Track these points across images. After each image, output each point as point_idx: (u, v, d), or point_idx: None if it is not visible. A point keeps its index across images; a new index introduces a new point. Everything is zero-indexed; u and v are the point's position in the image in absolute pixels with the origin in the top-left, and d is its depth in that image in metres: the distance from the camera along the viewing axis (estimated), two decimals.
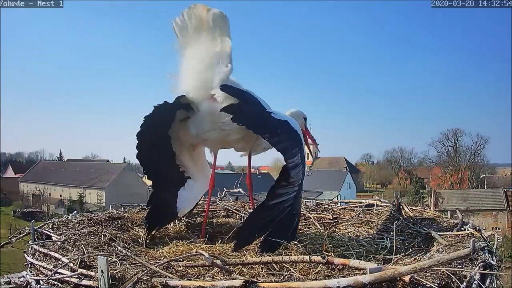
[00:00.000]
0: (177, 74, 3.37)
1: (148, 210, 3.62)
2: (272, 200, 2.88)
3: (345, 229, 3.88)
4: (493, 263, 2.48)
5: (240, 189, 5.53)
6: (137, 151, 3.30)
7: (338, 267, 2.31)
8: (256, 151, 3.65)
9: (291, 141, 2.95)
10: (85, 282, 2.29)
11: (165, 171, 3.57)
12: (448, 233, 3.24)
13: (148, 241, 3.41)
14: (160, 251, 3.05)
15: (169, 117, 3.37)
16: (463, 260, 2.33)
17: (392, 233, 3.14)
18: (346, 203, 5.21)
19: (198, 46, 3.27)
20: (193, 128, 3.41)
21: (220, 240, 3.27)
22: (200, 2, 3.27)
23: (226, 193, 5.32)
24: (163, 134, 3.43)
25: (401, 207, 4.34)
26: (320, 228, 3.82)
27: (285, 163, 2.83)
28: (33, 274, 2.71)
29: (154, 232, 3.54)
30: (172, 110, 3.33)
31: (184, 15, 3.27)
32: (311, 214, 4.42)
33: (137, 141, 3.25)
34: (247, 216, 3.29)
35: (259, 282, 2.03)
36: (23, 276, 2.95)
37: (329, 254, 2.63)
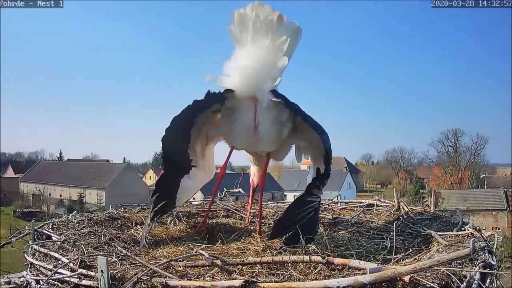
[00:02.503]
0: (226, 64, 3.24)
1: (157, 194, 3.49)
2: (308, 196, 3.00)
3: (345, 229, 3.88)
4: (493, 263, 2.48)
5: (240, 189, 5.53)
6: (165, 133, 3.21)
7: (338, 267, 2.31)
8: (278, 159, 3.73)
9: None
10: (85, 282, 2.29)
11: (179, 157, 3.50)
12: (448, 233, 3.24)
13: (148, 234, 3.39)
14: (160, 251, 3.04)
15: (205, 107, 3.27)
16: (463, 260, 2.33)
17: (392, 233, 3.14)
18: (346, 203, 5.21)
19: (257, 47, 3.16)
20: (224, 125, 3.36)
21: (220, 240, 3.27)
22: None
23: (226, 193, 5.32)
24: (190, 121, 3.32)
25: (401, 207, 4.34)
26: (320, 228, 3.82)
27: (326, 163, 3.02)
28: (33, 274, 2.71)
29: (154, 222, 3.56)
30: (212, 102, 3.20)
31: (250, 10, 3.14)
32: None
33: (170, 124, 3.15)
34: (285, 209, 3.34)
35: (259, 282, 2.03)
36: (23, 276, 2.95)
37: (329, 254, 2.63)
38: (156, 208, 3.42)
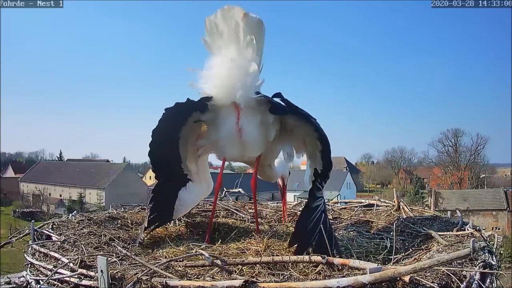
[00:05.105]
0: (202, 73, 3.18)
1: (152, 204, 3.47)
2: (313, 202, 2.91)
3: (345, 229, 3.88)
4: (493, 263, 2.48)
5: (240, 189, 5.53)
6: (150, 148, 3.21)
7: (338, 267, 2.31)
8: (266, 162, 3.69)
9: None
10: (85, 282, 2.29)
11: (172, 170, 3.47)
12: (448, 233, 3.24)
13: (145, 240, 3.37)
14: (160, 251, 3.04)
15: (184, 117, 3.24)
16: (463, 260, 2.33)
17: (392, 233, 3.14)
18: (346, 203, 5.21)
19: (229, 49, 3.13)
20: (212, 134, 3.33)
21: (220, 240, 3.27)
22: (234, 2, 3.15)
23: (226, 193, 5.31)
24: (174, 134, 3.32)
25: (401, 207, 4.34)
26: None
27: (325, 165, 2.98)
28: (33, 274, 2.71)
29: (150, 231, 3.51)
30: (189, 110, 3.18)
31: (218, 15, 3.12)
32: None
33: (151, 139, 3.16)
34: (297, 219, 3.24)
35: (259, 282, 2.03)
36: (23, 276, 2.95)
37: (329, 254, 2.62)
38: (151, 217, 3.39)
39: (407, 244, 3.17)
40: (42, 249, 2.84)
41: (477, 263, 2.38)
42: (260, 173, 3.77)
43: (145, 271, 2.20)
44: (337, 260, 2.31)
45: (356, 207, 4.67)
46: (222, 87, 3.08)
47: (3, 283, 3.50)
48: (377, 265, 2.13)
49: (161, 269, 2.24)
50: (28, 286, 2.72)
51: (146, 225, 3.39)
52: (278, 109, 3.05)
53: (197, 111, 3.21)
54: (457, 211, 4.10)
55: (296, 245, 2.82)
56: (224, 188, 5.26)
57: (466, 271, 2.22)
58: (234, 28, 3.09)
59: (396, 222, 3.43)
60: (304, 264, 2.40)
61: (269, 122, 3.19)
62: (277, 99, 3.06)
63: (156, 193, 3.46)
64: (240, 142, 3.22)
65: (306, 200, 3.04)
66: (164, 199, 3.45)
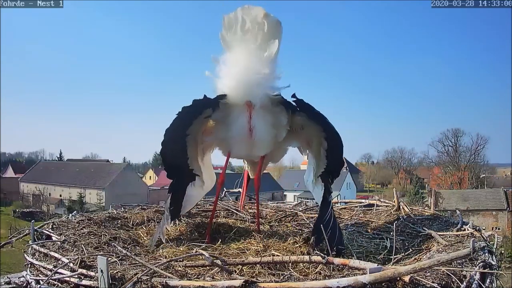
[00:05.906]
0: (219, 68, 3.21)
1: (170, 203, 3.40)
2: (329, 196, 3.06)
3: (345, 229, 3.88)
4: (493, 263, 2.48)
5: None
6: (162, 147, 3.19)
7: (338, 267, 2.32)
8: (274, 161, 3.72)
9: None
10: (85, 282, 2.29)
11: (181, 168, 3.41)
12: (448, 233, 3.25)
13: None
14: (160, 251, 3.04)
15: (195, 115, 3.21)
16: (463, 260, 2.34)
17: (392, 233, 3.14)
18: (346, 203, 5.21)
19: (246, 48, 3.14)
20: (219, 132, 3.33)
21: (220, 240, 3.27)
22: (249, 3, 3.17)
23: (226, 193, 5.31)
24: (184, 132, 3.27)
25: (401, 207, 4.34)
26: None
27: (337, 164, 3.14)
28: (33, 274, 2.71)
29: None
30: (203, 108, 3.18)
31: (238, 13, 3.14)
32: (311, 214, 4.42)
33: (163, 138, 3.14)
34: (318, 213, 3.27)
35: (259, 282, 2.03)
36: (23, 276, 2.95)
37: (329, 254, 2.62)
38: (171, 218, 3.34)
39: (407, 244, 3.17)
40: (42, 249, 2.84)
41: (477, 263, 2.38)
42: (253, 171, 3.81)
43: (145, 271, 2.20)
44: (337, 260, 2.31)
45: (356, 207, 4.67)
46: (237, 86, 3.10)
47: (3, 283, 3.50)
48: (377, 265, 2.13)
49: (161, 269, 2.24)
50: (28, 286, 2.72)
51: (167, 227, 3.36)
52: (292, 106, 3.09)
53: (209, 108, 3.21)
54: (457, 211, 4.10)
55: (313, 237, 2.90)
56: (224, 188, 5.26)
57: (466, 271, 2.22)
58: (253, 27, 3.11)
59: (396, 222, 3.42)
60: (304, 264, 2.40)
61: (282, 123, 3.21)
62: (291, 100, 3.08)
63: (172, 193, 3.39)
64: (249, 142, 3.23)
65: (322, 196, 3.11)
66: (177, 198, 3.42)
